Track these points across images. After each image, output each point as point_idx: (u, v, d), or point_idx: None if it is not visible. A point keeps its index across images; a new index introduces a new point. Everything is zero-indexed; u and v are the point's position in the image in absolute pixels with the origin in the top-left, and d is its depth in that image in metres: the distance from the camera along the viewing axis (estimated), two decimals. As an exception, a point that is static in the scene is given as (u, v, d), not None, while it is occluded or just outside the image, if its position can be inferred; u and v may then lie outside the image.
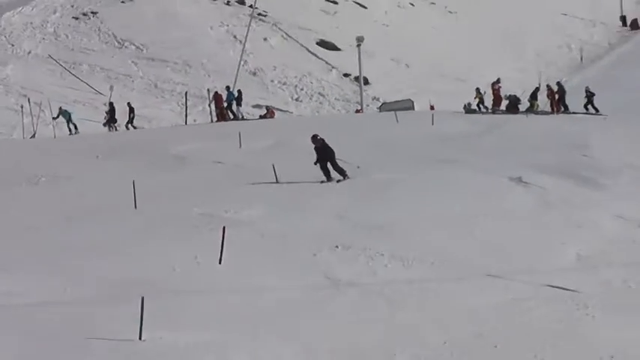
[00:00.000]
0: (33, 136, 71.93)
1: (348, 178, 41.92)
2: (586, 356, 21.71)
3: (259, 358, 19.36)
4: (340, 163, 42.54)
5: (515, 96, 75.73)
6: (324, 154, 42.24)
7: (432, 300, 25.61)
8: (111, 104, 76.96)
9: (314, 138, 42.71)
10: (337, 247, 30.38)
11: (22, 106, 77.48)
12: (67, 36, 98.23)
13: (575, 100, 74.90)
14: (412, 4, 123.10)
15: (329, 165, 42.28)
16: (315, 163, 42.04)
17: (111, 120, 74.54)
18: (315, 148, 42.31)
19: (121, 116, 75.31)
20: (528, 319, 24.38)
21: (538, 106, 74.80)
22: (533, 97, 76.17)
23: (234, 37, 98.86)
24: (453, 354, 20.91)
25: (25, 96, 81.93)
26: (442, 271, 28.25)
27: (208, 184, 38.06)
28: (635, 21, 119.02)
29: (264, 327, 21.86)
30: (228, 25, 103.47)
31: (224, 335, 20.66)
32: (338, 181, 42.03)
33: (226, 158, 44.91)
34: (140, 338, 20.03)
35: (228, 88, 78.69)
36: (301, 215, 34.14)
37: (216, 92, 78.34)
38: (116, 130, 73.52)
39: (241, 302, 24.32)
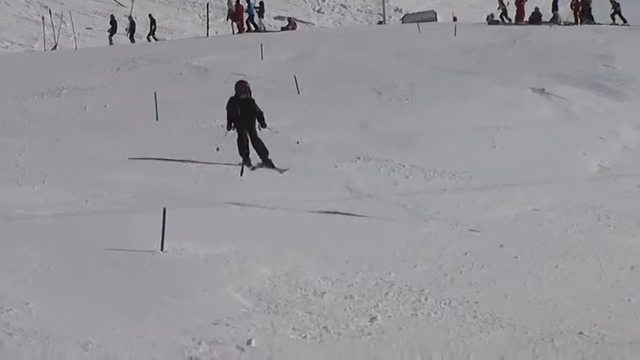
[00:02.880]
0: (54, 47, 71.86)
1: (278, 170, 27.99)
2: (606, 267, 21.77)
3: (278, 268, 19.36)
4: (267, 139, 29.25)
5: (537, 10, 75.62)
6: (246, 116, 27.98)
7: (452, 211, 25.71)
8: (131, 20, 76.98)
9: (242, 85, 29.03)
10: (359, 158, 30.42)
11: (43, 18, 77.37)
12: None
13: (600, 11, 74.72)
14: None
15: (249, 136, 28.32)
16: (229, 129, 28.72)
17: (131, 32, 74.51)
18: (237, 101, 28.41)
19: (143, 28, 75.19)
20: (549, 229, 24.46)
21: (558, 16, 74.57)
22: (555, 7, 76.08)
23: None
24: (474, 265, 20.94)
25: (46, 7, 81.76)
26: (463, 183, 28.40)
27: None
28: None
29: (284, 238, 21.91)
30: None
31: (244, 247, 20.68)
32: (262, 165, 27.97)
33: (248, 70, 44.68)
34: (162, 249, 20.17)
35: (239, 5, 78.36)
36: (323, 127, 34.06)
37: (237, 2, 78.22)
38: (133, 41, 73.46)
39: (262, 214, 24.46)
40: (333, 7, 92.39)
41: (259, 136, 27.44)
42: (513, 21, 74.10)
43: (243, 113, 26.88)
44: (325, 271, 19.38)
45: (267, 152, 27.73)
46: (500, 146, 31.67)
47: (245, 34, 68.44)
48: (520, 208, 26.16)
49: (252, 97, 29.36)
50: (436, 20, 72.31)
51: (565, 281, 20.54)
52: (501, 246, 22.68)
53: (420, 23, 69.14)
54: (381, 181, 28.73)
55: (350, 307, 17.64)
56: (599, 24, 70.48)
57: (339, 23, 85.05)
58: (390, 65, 45.40)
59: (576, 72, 40.17)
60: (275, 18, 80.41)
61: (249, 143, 28.18)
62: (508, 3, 77.00)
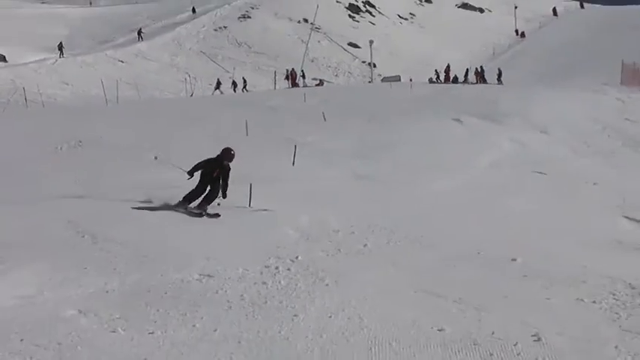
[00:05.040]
0: (191, 95, 71.93)
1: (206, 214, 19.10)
2: (493, 216, 21.88)
3: (314, 219, 19.47)
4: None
5: (456, 76, 77.12)
6: (217, 179, 19.56)
7: (412, 184, 25.82)
8: (233, 81, 77.31)
9: (229, 153, 19.81)
10: (360, 157, 30.69)
11: (185, 79, 77.46)
12: (209, 40, 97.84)
13: (490, 76, 74.88)
14: (401, 23, 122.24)
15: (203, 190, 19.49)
16: (191, 175, 19.42)
17: (234, 87, 74.75)
18: (218, 164, 19.51)
19: (240, 84, 75.84)
20: (460, 197, 24.58)
21: (467, 79, 76.24)
22: (466, 75, 77.29)
23: (302, 40, 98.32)
24: (422, 218, 21.15)
25: (186, 72, 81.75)
26: (414, 171, 28.38)
27: (288, 123, 38.03)
28: (523, 32, 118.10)
29: (317, 201, 22.00)
30: (298, 34, 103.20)
31: (295, 207, 20.75)
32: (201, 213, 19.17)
33: (297, 107, 44.74)
34: (249, 206, 20.35)
35: (296, 69, 79.47)
36: (339, 138, 34.21)
37: (293, 69, 78.55)
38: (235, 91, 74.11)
39: (305, 187, 24.49)
40: (344, 73, 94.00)
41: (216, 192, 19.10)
42: (442, 81, 74.97)
43: (216, 177, 18.86)
44: (339, 219, 19.55)
45: (211, 201, 19.24)
46: (436, 148, 31.88)
47: (295, 88, 68.26)
48: (444, 184, 26.24)
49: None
50: (400, 80, 72.05)
51: (472, 223, 20.62)
52: (434, 207, 22.76)
53: (391, 82, 69.44)
54: (374, 169, 28.64)
55: (352, 239, 17.81)
56: (489, 83, 70.56)
57: (347, 82, 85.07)
58: (375, 105, 45.34)
59: (476, 110, 40.07)
60: (312, 79, 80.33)
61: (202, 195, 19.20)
62: (440, 72, 78.66)
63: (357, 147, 31.63)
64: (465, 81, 74.22)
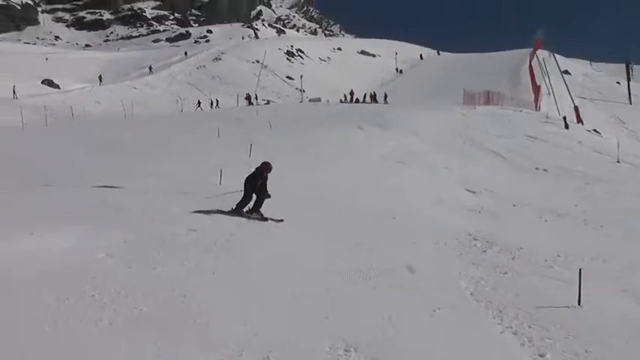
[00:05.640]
0: (181, 111, 70.78)
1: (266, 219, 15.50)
2: (383, 186, 21.91)
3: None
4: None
5: (357, 98, 76.10)
6: (260, 188, 15.92)
7: (327, 171, 25.66)
8: (211, 100, 76.29)
9: (268, 166, 16.04)
10: (295, 152, 30.17)
11: (177, 100, 76.56)
12: (193, 74, 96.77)
13: (380, 98, 74.82)
14: (321, 63, 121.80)
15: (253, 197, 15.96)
16: (249, 195, 15.76)
17: (211, 105, 73.74)
18: (261, 176, 15.89)
19: (214, 104, 74.72)
20: (358, 180, 24.48)
21: (366, 99, 75.38)
22: (364, 97, 76.58)
23: (255, 74, 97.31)
24: (348, 187, 21.00)
25: (178, 96, 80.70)
26: (327, 160, 28.15)
27: (247, 129, 37.48)
28: (401, 70, 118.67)
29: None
30: (253, 70, 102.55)
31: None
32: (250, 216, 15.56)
33: (252, 118, 44.21)
34: (220, 184, 19.76)
35: (251, 93, 78.50)
36: (281, 139, 33.82)
37: (248, 94, 77.89)
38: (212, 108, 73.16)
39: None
40: (285, 96, 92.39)
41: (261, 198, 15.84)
42: (349, 101, 73.76)
43: (259, 185, 15.53)
44: (281, 195, 19.32)
45: (260, 205, 15.69)
46: (345, 146, 31.50)
47: (251, 106, 67.33)
48: (352, 169, 26.10)
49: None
50: (321, 101, 71.47)
51: (366, 194, 20.63)
52: (343, 184, 22.59)
53: (315, 102, 69.14)
54: (304, 159, 28.30)
55: (288, 208, 17.56)
56: (379, 103, 70.44)
57: (286, 102, 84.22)
58: (305, 117, 45.04)
59: (372, 120, 39.91)
60: (262, 100, 79.72)
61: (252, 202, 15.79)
62: (348, 94, 77.44)
63: (293, 145, 31.22)
64: (364, 101, 73.94)
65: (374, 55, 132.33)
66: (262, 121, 40.93)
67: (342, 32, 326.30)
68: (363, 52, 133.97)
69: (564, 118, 50.34)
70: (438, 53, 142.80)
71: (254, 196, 15.69)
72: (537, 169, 31.06)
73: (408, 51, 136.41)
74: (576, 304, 10.04)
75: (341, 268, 11.51)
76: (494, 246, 14.66)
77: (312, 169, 25.53)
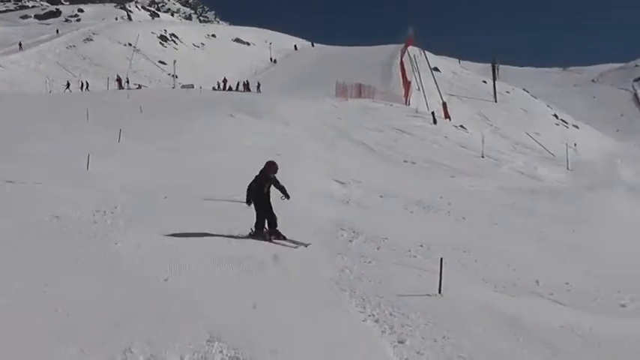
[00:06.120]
0: (50, 92, 67.90)
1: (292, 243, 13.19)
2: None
3: (130, 179, 18.91)
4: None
5: (230, 86, 75.28)
6: (268, 192, 13.58)
7: (197, 157, 25.39)
8: (81, 82, 73.74)
9: (273, 166, 13.65)
10: (164, 137, 29.58)
11: (45, 80, 73.31)
12: (63, 54, 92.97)
13: (253, 87, 74.69)
14: (195, 49, 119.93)
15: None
16: (250, 203, 13.36)
17: (80, 87, 71.15)
18: (268, 179, 13.46)
19: (84, 86, 72.10)
20: (228, 166, 24.28)
21: (239, 89, 74.87)
22: (237, 86, 75.88)
23: (127, 58, 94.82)
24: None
25: (46, 76, 77.31)
26: (198, 146, 27.81)
27: (116, 113, 36.26)
28: (275, 60, 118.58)
29: (134, 166, 21.39)
30: (125, 53, 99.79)
31: (118, 170, 20.16)
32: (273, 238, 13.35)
33: (123, 102, 43.01)
34: (87, 169, 19.26)
35: (122, 77, 76.17)
36: (151, 124, 33.02)
37: (119, 77, 75.60)
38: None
39: (125, 157, 23.48)
40: (156, 81, 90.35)
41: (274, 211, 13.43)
42: (222, 89, 72.71)
43: (267, 191, 13.32)
44: (148, 179, 19.03)
45: (276, 224, 13.35)
46: (216, 133, 31.14)
47: (122, 90, 65.36)
48: (222, 156, 25.80)
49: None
50: (193, 87, 69.96)
51: (235, 180, 20.56)
52: (214, 170, 22.41)
53: (188, 88, 68.04)
54: (174, 144, 27.78)
55: (155, 193, 17.37)
56: (252, 92, 70.20)
57: (158, 87, 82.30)
58: (176, 103, 44.33)
59: (244, 109, 39.82)
60: (134, 84, 77.48)
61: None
62: (220, 82, 76.62)
63: (163, 130, 30.63)
64: (237, 89, 73.37)
65: (248, 44, 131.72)
66: (133, 105, 39.92)
67: (217, 19, 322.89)
68: (237, 40, 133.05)
69: (433, 113, 52.04)
70: (313, 45, 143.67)
71: (266, 218, 13.48)
72: (405, 161, 31.95)
73: (283, 41, 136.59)
74: (437, 292, 10.39)
75: (206, 257, 11.42)
76: (360, 236, 14.97)
77: (182, 155, 25.16)
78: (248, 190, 13.37)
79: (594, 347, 8.74)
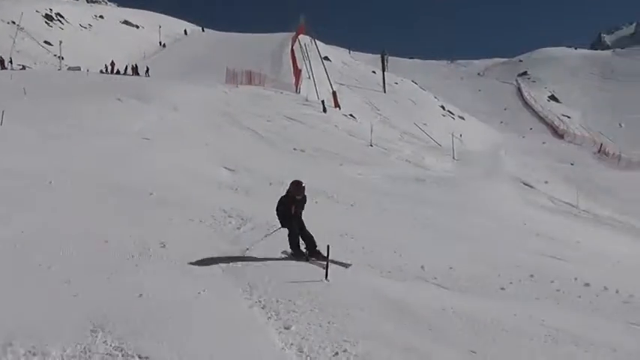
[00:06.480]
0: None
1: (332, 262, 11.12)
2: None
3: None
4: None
5: (118, 69, 72.78)
6: (299, 214, 12.39)
7: (85, 143, 24.63)
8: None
9: (300, 186, 12.24)
10: (52, 120, 28.63)
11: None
12: None
13: (141, 71, 72.89)
14: (82, 30, 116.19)
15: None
16: (284, 226, 12.27)
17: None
18: (294, 201, 12.17)
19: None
20: (120, 152, 23.73)
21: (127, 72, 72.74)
22: (125, 69, 73.83)
23: (10, 37, 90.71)
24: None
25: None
26: (84, 131, 26.98)
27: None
28: (164, 44, 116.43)
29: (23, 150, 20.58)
30: (7, 32, 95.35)
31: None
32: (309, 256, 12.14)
33: (5, 83, 41.11)
34: None
35: (4, 57, 72.35)
36: (35, 108, 31.80)
37: (1, 57, 72.16)
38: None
39: (8, 144, 22.63)
40: (41, 62, 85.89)
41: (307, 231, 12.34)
42: (109, 72, 70.18)
43: (297, 211, 12.16)
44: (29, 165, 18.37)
45: (315, 244, 12.20)
46: (102, 118, 30.22)
47: (4, 70, 62.38)
48: (112, 142, 25.17)
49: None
50: (80, 70, 67.13)
51: (119, 170, 20.12)
52: (105, 157, 21.83)
53: (74, 70, 65.51)
54: (60, 130, 26.82)
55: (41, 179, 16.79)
56: (141, 76, 68.53)
57: (43, 68, 78.79)
58: (62, 86, 42.36)
59: (132, 93, 38.65)
60: (17, 64, 73.53)
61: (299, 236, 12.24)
62: (108, 65, 74.22)
63: (49, 114, 29.43)
64: (125, 73, 71.54)
65: (137, 27, 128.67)
66: (17, 87, 38.26)
67: (106, 0, 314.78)
68: (126, 23, 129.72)
69: (323, 101, 52.45)
70: (203, 30, 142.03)
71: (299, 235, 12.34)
72: (295, 149, 32.11)
73: (172, 25, 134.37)
74: (324, 278, 10.49)
75: (94, 244, 11.17)
76: (249, 223, 14.97)
77: (68, 140, 24.43)
78: (276, 211, 12.23)
79: (474, 328, 9.04)
